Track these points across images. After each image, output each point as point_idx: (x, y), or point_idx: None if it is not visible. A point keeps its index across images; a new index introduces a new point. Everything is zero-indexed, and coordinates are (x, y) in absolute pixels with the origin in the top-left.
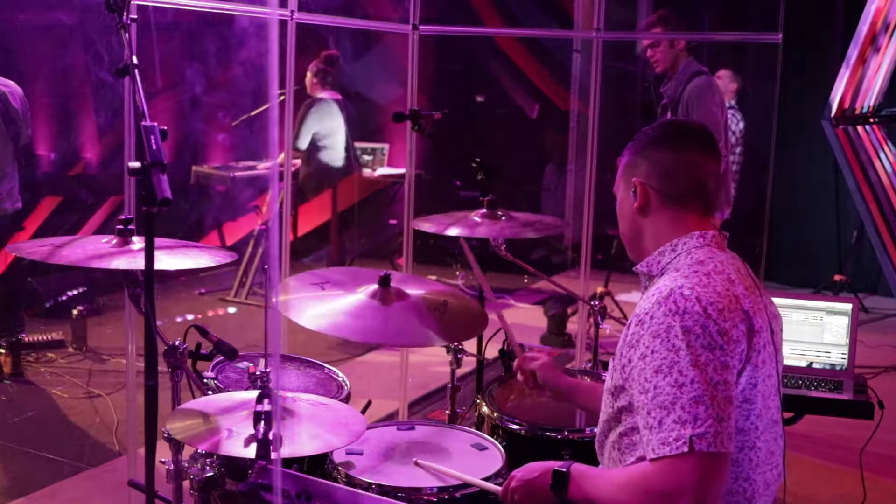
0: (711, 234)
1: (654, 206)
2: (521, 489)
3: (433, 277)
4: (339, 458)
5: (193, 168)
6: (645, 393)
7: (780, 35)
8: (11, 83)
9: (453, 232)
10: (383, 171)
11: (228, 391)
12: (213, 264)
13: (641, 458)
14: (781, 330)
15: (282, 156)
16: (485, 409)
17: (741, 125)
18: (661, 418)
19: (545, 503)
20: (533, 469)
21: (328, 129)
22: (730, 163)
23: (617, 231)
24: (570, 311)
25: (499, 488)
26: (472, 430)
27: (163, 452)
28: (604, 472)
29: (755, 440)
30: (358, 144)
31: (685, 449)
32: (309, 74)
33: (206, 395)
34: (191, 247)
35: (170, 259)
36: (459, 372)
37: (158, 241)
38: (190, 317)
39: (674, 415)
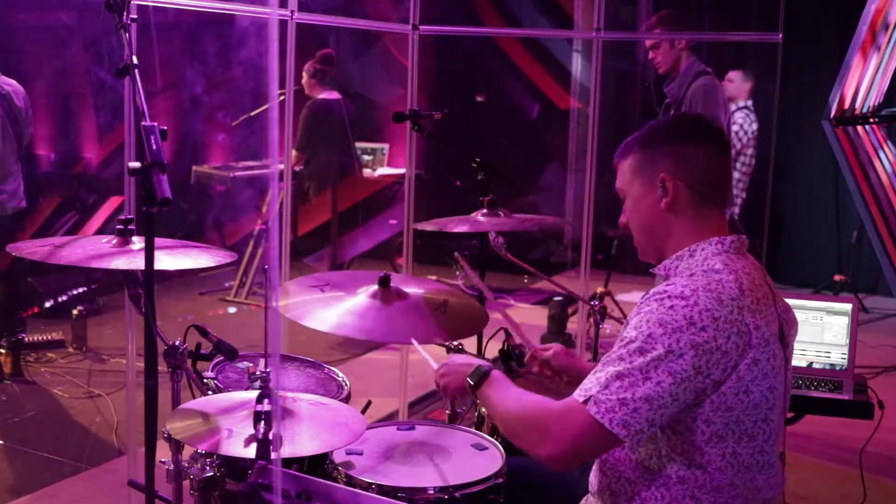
0: (730, 241)
1: (683, 202)
2: (447, 369)
3: (433, 277)
4: (339, 458)
5: (193, 168)
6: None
7: (780, 35)
8: (14, 82)
9: (457, 228)
10: (383, 171)
11: (228, 391)
12: (213, 264)
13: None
14: (795, 338)
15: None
16: (485, 409)
17: (755, 126)
18: (594, 371)
19: (458, 390)
20: (467, 360)
21: (329, 129)
22: (731, 164)
23: (617, 232)
24: (570, 311)
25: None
26: (472, 430)
27: (163, 452)
28: (517, 387)
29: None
30: (358, 144)
31: (581, 400)
32: (305, 76)
33: (206, 395)
34: (191, 247)
35: (170, 259)
36: None
37: (158, 241)
38: (190, 317)
39: (597, 375)
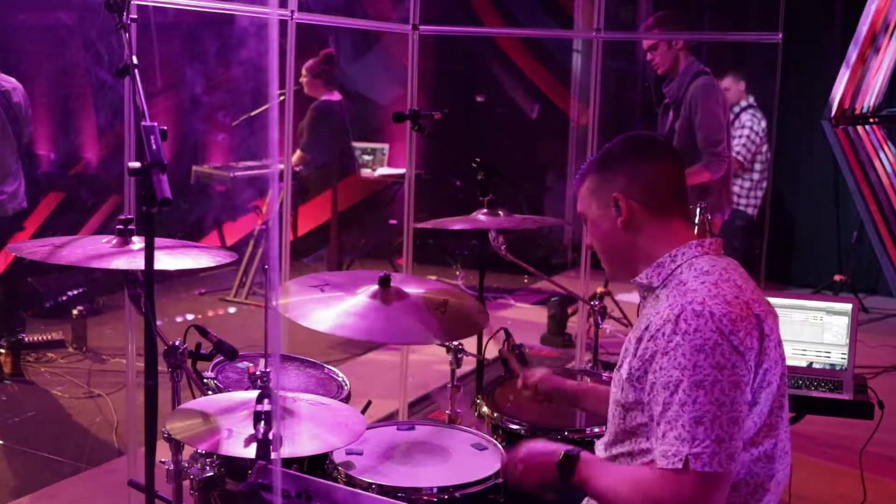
0: (709, 242)
1: (638, 218)
2: (527, 460)
3: (433, 277)
4: (339, 458)
5: (193, 168)
6: (657, 405)
7: (780, 35)
8: (14, 80)
9: (456, 225)
10: (383, 171)
11: (228, 391)
12: (213, 264)
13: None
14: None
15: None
16: (485, 409)
17: (763, 123)
18: (665, 432)
19: (545, 480)
20: (543, 445)
21: (331, 130)
22: (731, 164)
23: None
24: (570, 311)
25: None
26: (472, 430)
27: (163, 452)
28: (612, 464)
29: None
30: (358, 144)
31: (679, 466)
32: (308, 76)
33: (206, 395)
34: (191, 247)
35: (170, 259)
36: (459, 372)
37: (158, 241)
38: (190, 317)
39: (675, 431)
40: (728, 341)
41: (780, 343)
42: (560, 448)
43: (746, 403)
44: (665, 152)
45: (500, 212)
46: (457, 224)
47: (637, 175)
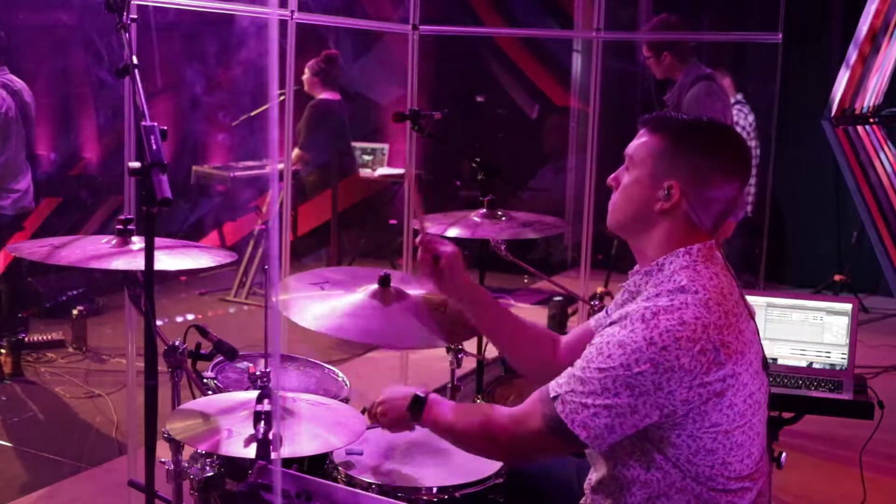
0: (697, 249)
1: (674, 214)
2: (384, 404)
3: None
4: (339, 458)
5: (193, 168)
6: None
7: (780, 35)
8: (20, 81)
9: (453, 232)
10: (383, 171)
11: (228, 391)
12: (213, 264)
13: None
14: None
15: (295, 151)
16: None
17: (751, 117)
18: (570, 369)
19: (399, 420)
20: (399, 391)
21: (330, 129)
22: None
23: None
24: (570, 310)
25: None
26: None
27: (163, 452)
28: (457, 403)
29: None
30: (358, 144)
31: (550, 395)
32: (308, 73)
33: (206, 395)
34: (191, 247)
35: (170, 259)
36: (459, 372)
37: (158, 241)
38: (190, 317)
39: (565, 377)
40: (651, 353)
41: (755, 361)
42: (413, 391)
43: (633, 409)
44: (743, 174)
45: (499, 212)
46: (456, 230)
47: (706, 183)
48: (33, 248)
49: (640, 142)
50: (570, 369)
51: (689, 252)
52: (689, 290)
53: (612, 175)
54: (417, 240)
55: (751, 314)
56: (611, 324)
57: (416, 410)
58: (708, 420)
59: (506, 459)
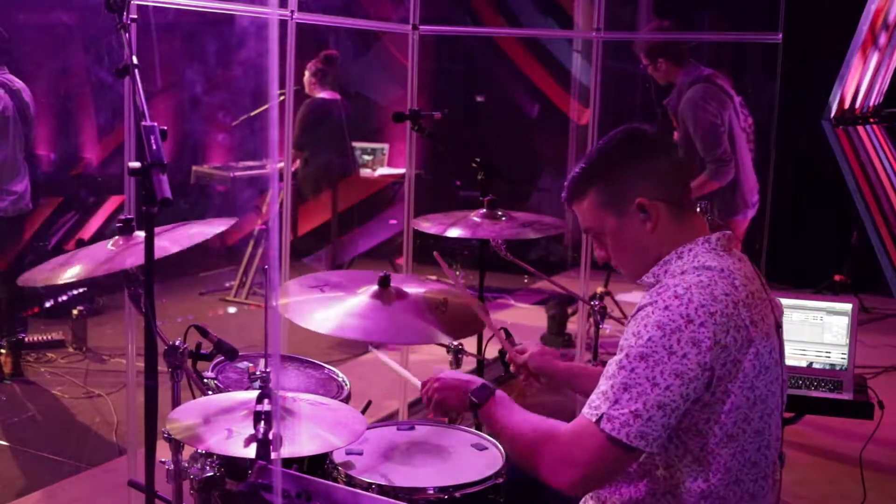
0: (716, 238)
1: (664, 217)
2: (443, 384)
3: (433, 277)
4: (339, 458)
5: (193, 168)
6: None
7: (780, 35)
8: (19, 81)
9: (453, 233)
10: (383, 171)
11: (228, 391)
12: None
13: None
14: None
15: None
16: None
17: (749, 120)
18: (600, 384)
19: (456, 406)
20: (463, 376)
21: (327, 129)
22: (739, 166)
23: None
24: (570, 311)
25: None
26: (472, 430)
27: (163, 452)
28: (521, 409)
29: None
30: (358, 144)
31: (593, 419)
32: (307, 74)
33: (206, 395)
34: (186, 225)
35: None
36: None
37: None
38: (190, 317)
39: (604, 387)
40: (690, 330)
41: (774, 350)
42: (479, 380)
43: (683, 397)
44: (664, 142)
45: (499, 212)
46: (457, 230)
47: (653, 173)
48: (45, 274)
49: (582, 213)
50: (605, 379)
51: (709, 241)
52: (715, 268)
53: (597, 254)
54: (512, 368)
55: (773, 307)
56: (638, 310)
57: (481, 399)
58: (734, 404)
59: (567, 487)
